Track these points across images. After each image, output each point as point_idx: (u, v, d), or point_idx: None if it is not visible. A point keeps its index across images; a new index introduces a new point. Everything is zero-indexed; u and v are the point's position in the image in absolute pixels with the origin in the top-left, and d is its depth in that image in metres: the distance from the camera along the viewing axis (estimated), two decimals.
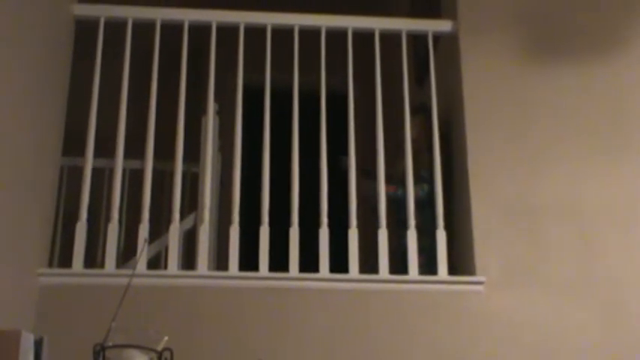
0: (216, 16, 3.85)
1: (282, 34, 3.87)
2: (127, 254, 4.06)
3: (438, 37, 4.04)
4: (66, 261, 3.55)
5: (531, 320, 3.40)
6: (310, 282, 3.44)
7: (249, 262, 3.53)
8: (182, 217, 3.77)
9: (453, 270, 3.62)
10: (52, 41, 3.51)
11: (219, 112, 4.10)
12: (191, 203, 4.36)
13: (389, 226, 3.63)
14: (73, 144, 3.82)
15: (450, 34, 3.94)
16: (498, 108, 3.73)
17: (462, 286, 3.47)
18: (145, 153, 3.61)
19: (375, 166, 3.68)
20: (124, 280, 2.56)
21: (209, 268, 3.55)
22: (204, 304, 3.36)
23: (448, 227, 3.66)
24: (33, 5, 3.16)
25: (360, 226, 3.57)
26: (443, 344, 3.36)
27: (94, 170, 3.63)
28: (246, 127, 3.74)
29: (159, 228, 4.10)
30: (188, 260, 3.98)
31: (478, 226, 3.54)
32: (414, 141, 3.89)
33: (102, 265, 3.51)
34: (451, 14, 3.98)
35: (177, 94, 3.70)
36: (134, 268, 2.95)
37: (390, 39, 4.00)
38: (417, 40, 4.47)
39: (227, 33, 3.86)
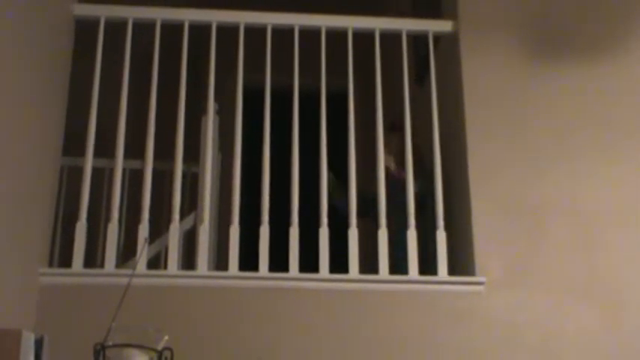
0: (216, 16, 3.85)
1: (283, 34, 3.87)
2: (126, 254, 4.06)
3: (438, 37, 4.04)
4: (66, 261, 3.55)
5: (532, 320, 3.40)
6: (310, 282, 3.44)
7: (248, 262, 3.52)
8: (182, 217, 3.76)
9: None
10: (52, 41, 3.50)
11: (219, 112, 4.09)
12: (191, 203, 4.35)
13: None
14: (73, 144, 3.82)
15: (451, 34, 3.94)
16: (499, 107, 3.73)
17: (462, 286, 3.47)
18: (144, 153, 3.61)
19: (376, 165, 3.68)
20: (124, 280, 2.56)
21: (209, 268, 3.55)
22: (204, 304, 3.36)
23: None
24: (33, 5, 3.16)
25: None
26: (443, 344, 3.36)
27: (94, 170, 3.62)
28: (246, 126, 3.73)
29: (159, 228, 4.10)
30: (188, 260, 3.97)
31: (478, 225, 3.54)
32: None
33: (102, 265, 3.51)
34: (451, 14, 3.98)
35: (177, 93, 3.70)
36: (134, 268, 2.95)
37: (391, 39, 3.99)
38: (418, 40, 4.46)
39: (227, 33, 3.86)
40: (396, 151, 3.97)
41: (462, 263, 3.62)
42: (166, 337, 2.25)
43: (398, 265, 3.57)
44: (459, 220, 3.70)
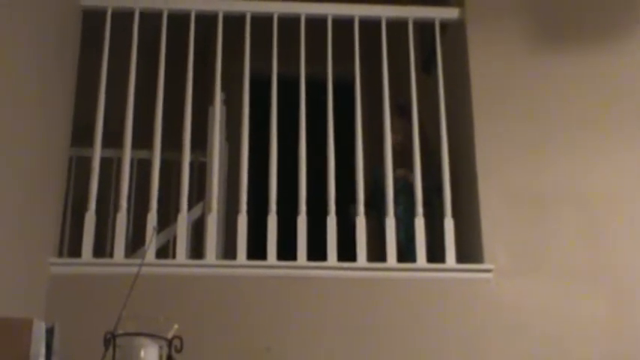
0: (222, 6, 3.85)
1: (289, 23, 3.87)
2: (135, 244, 4.07)
3: (445, 25, 4.03)
4: (75, 251, 3.57)
5: (540, 307, 3.40)
6: (318, 270, 3.45)
7: (257, 250, 3.53)
8: (190, 206, 3.77)
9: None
10: (59, 32, 3.51)
11: (226, 102, 4.10)
12: (199, 192, 4.36)
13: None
14: (81, 134, 3.83)
15: (457, 21, 3.93)
16: (506, 95, 3.72)
17: (470, 273, 3.48)
18: (152, 143, 3.62)
19: (383, 153, 3.68)
20: (133, 269, 2.57)
21: (217, 257, 3.56)
22: (213, 293, 3.38)
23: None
24: None
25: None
26: (451, 332, 3.36)
27: (103, 160, 3.63)
28: (253, 116, 3.74)
29: (167, 217, 4.11)
30: (196, 249, 3.98)
31: (486, 213, 3.53)
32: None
33: (111, 255, 3.52)
34: (458, 1, 3.97)
35: (185, 83, 3.70)
36: (143, 257, 2.96)
37: (397, 27, 3.99)
38: (424, 27, 4.45)
39: (234, 22, 3.86)
40: (402, 137, 3.95)
41: (470, 251, 3.62)
42: (176, 326, 2.26)
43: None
44: (467, 208, 3.70)
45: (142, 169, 4.13)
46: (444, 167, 3.64)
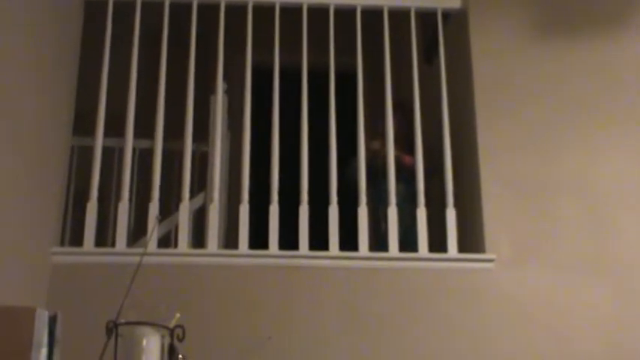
0: None
1: (291, 13, 3.86)
2: (137, 233, 4.07)
3: (447, 15, 4.02)
4: (77, 240, 3.57)
5: (542, 298, 3.41)
6: (320, 260, 3.45)
7: (258, 240, 3.54)
8: (192, 195, 3.78)
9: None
10: (62, 22, 3.51)
11: (227, 91, 4.09)
12: (200, 182, 4.36)
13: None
14: (83, 124, 3.83)
15: (460, 11, 3.93)
16: (508, 85, 3.72)
17: (472, 263, 3.48)
18: (154, 132, 3.62)
19: (385, 144, 3.68)
20: (135, 259, 2.57)
21: (219, 247, 3.56)
22: (215, 282, 3.38)
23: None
24: None
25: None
26: (453, 321, 3.37)
27: (105, 150, 3.64)
28: (255, 105, 3.74)
29: (169, 207, 4.11)
30: (198, 239, 3.99)
31: (488, 203, 3.54)
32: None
33: (113, 244, 3.53)
34: None
35: (187, 73, 3.70)
36: (145, 246, 2.96)
37: (399, 16, 3.98)
38: (427, 17, 4.44)
39: (236, 12, 3.85)
40: (396, 132, 3.95)
41: (472, 241, 3.63)
42: (178, 315, 2.27)
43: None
44: (469, 198, 3.71)
45: (143, 159, 4.13)
46: (446, 157, 3.64)
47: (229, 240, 4.03)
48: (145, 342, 2.19)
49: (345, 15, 3.87)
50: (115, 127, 3.75)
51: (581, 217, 3.54)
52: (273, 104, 3.67)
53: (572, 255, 3.47)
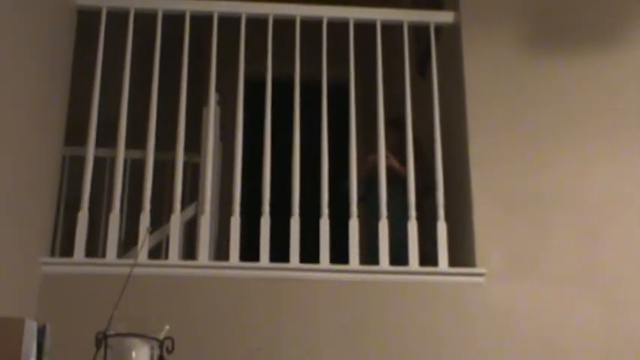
0: (217, 7, 3.85)
1: (284, 25, 3.87)
2: (127, 244, 4.07)
3: (440, 28, 4.04)
4: (68, 250, 3.56)
5: (532, 312, 3.41)
6: (311, 272, 3.45)
7: (249, 252, 3.53)
8: (183, 207, 3.77)
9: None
10: (54, 31, 3.51)
11: (220, 103, 4.10)
12: (192, 193, 4.36)
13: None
14: (74, 134, 3.82)
15: (452, 25, 3.94)
16: (500, 99, 3.73)
17: (462, 277, 3.48)
18: (146, 143, 3.61)
19: (377, 154, 3.68)
20: (125, 270, 2.57)
21: (210, 258, 3.56)
22: (205, 294, 3.37)
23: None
24: None
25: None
26: (443, 336, 3.37)
27: (96, 160, 3.63)
28: (248, 117, 3.74)
29: (160, 218, 4.10)
30: (189, 250, 3.98)
31: (479, 217, 3.54)
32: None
33: (103, 255, 3.52)
34: (453, 5, 3.98)
35: (179, 84, 3.70)
36: (135, 257, 2.96)
37: (392, 30, 3.99)
38: (419, 30, 4.46)
39: (228, 23, 3.86)
40: (393, 146, 3.97)
41: (462, 254, 3.63)
42: (167, 327, 2.26)
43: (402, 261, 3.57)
44: (459, 212, 3.71)
45: (135, 169, 4.13)
46: (438, 170, 3.64)
47: (220, 252, 4.02)
48: (134, 354, 2.19)
49: (338, 27, 3.88)
50: (107, 137, 3.75)
51: (572, 230, 3.54)
52: (265, 116, 3.67)
53: (563, 269, 3.47)
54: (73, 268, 3.38)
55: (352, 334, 3.35)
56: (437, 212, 3.60)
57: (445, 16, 3.96)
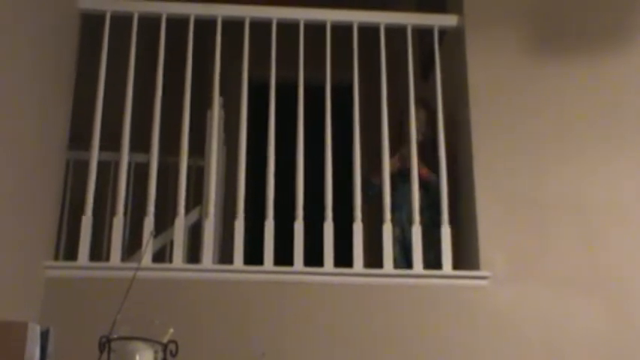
0: (221, 11, 3.85)
1: (288, 29, 3.87)
2: (132, 247, 4.07)
3: (443, 32, 4.04)
4: (72, 254, 3.56)
5: (536, 315, 3.40)
6: (314, 276, 3.44)
7: (253, 255, 3.53)
8: (187, 210, 3.77)
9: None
10: (58, 35, 3.51)
11: (224, 106, 4.10)
12: (196, 197, 4.36)
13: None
14: (79, 137, 3.83)
15: (456, 28, 3.94)
16: (503, 103, 3.73)
17: (466, 280, 3.47)
18: (150, 146, 3.61)
19: (380, 160, 3.68)
20: (129, 273, 2.57)
21: (214, 262, 3.55)
22: (209, 298, 3.37)
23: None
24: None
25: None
26: (447, 339, 3.36)
27: (100, 164, 3.63)
28: (252, 120, 3.74)
29: (164, 221, 4.10)
30: (193, 254, 3.98)
31: (483, 220, 3.53)
32: (420, 134, 3.89)
33: (107, 259, 3.52)
34: (457, 9, 3.97)
35: (183, 87, 3.70)
36: (139, 261, 2.96)
37: (396, 33, 3.99)
38: (423, 34, 4.46)
39: (232, 27, 3.86)
40: (422, 123, 3.94)
41: (466, 258, 3.62)
42: (171, 330, 2.26)
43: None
44: (464, 215, 3.71)
45: (139, 173, 4.13)
46: (442, 174, 3.64)
47: (224, 255, 4.02)
48: (138, 357, 2.18)
49: (342, 31, 3.88)
50: (111, 141, 3.75)
51: (576, 233, 3.54)
52: (269, 119, 3.68)
53: (566, 272, 3.47)
54: (77, 271, 3.38)
55: (356, 338, 3.34)
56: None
57: (449, 20, 3.96)
